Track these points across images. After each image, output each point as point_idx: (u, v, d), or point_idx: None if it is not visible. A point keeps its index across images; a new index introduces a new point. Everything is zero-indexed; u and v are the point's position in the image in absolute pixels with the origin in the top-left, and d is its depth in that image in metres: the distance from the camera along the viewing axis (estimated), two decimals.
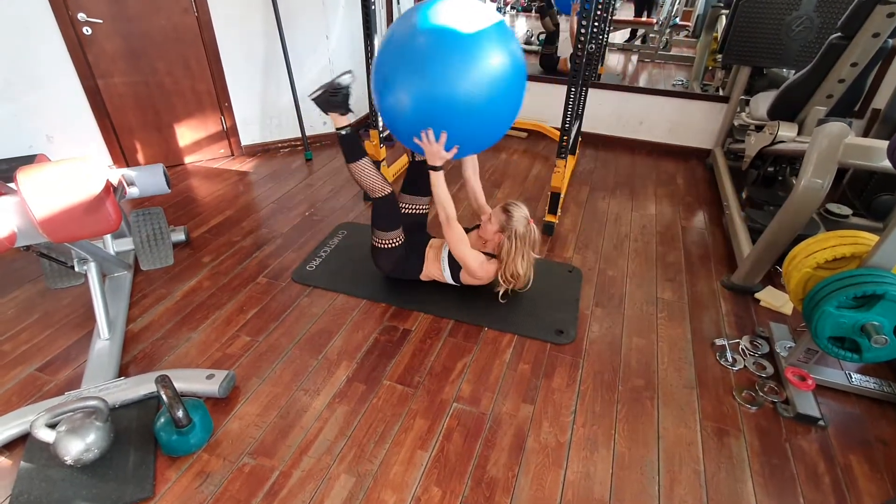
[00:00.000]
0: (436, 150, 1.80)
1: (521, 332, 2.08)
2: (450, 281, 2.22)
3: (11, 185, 1.53)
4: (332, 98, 1.94)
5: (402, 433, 1.65)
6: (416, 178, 2.28)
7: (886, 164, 1.74)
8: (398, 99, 1.71)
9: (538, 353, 2.00)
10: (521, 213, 2.06)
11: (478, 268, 2.10)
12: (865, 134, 3.21)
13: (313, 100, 1.95)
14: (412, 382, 1.84)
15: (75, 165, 1.48)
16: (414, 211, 2.31)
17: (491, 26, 1.65)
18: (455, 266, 2.16)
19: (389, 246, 2.16)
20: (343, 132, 2.00)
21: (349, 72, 1.97)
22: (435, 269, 2.23)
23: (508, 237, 2.05)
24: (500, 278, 2.14)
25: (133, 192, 1.58)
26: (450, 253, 2.16)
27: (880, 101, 3.09)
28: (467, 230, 2.30)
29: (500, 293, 2.18)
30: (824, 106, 2.42)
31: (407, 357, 1.96)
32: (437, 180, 1.94)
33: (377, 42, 2.73)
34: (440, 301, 2.23)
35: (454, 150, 1.82)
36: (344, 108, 1.97)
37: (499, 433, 1.67)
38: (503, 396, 1.80)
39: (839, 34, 2.20)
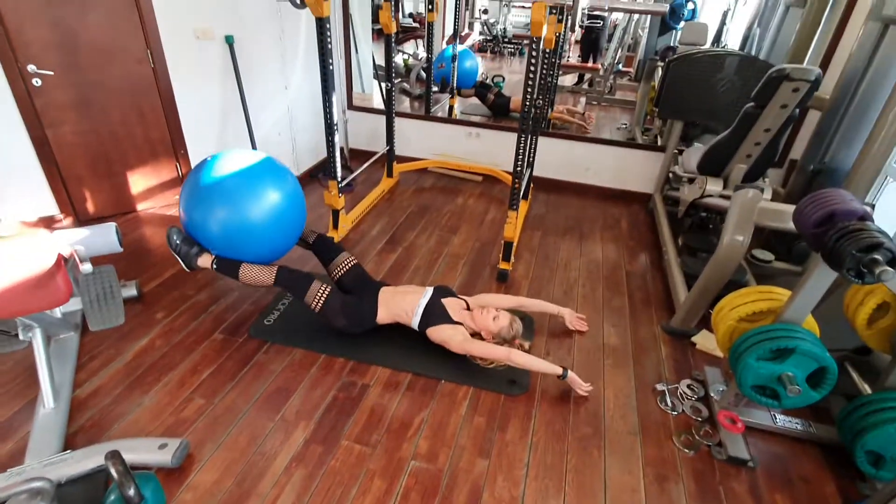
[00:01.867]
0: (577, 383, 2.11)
1: (477, 383, 2.16)
2: (414, 326, 2.28)
3: None
4: (183, 253, 2.23)
5: (360, 496, 1.68)
6: (322, 252, 2.51)
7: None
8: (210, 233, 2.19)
9: (493, 404, 2.08)
10: (518, 329, 2.23)
11: (464, 350, 2.19)
12: (785, 181, 3.55)
13: (191, 270, 2.28)
14: (370, 441, 1.88)
15: (26, 241, 1.48)
16: (345, 269, 2.44)
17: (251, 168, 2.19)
18: (426, 320, 2.23)
19: (322, 299, 2.24)
20: (215, 266, 2.25)
21: (171, 228, 2.26)
22: (399, 311, 2.28)
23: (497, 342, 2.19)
24: (477, 360, 2.21)
25: (86, 268, 1.58)
26: (427, 308, 2.24)
27: (797, 152, 3.43)
28: (451, 292, 2.38)
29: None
30: (744, 164, 2.68)
31: (365, 414, 1.99)
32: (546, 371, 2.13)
33: (335, 98, 2.82)
34: (398, 353, 2.28)
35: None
36: (198, 251, 2.24)
37: (455, 490, 1.72)
38: (460, 451, 1.86)
39: (752, 104, 2.47)
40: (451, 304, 2.29)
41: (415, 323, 2.27)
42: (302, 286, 2.26)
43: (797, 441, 2.00)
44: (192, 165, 3.47)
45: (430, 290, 2.33)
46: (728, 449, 1.89)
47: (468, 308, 2.31)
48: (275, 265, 2.29)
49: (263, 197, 2.17)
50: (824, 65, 3.18)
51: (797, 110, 2.45)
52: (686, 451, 1.92)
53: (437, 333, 2.21)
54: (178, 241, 2.24)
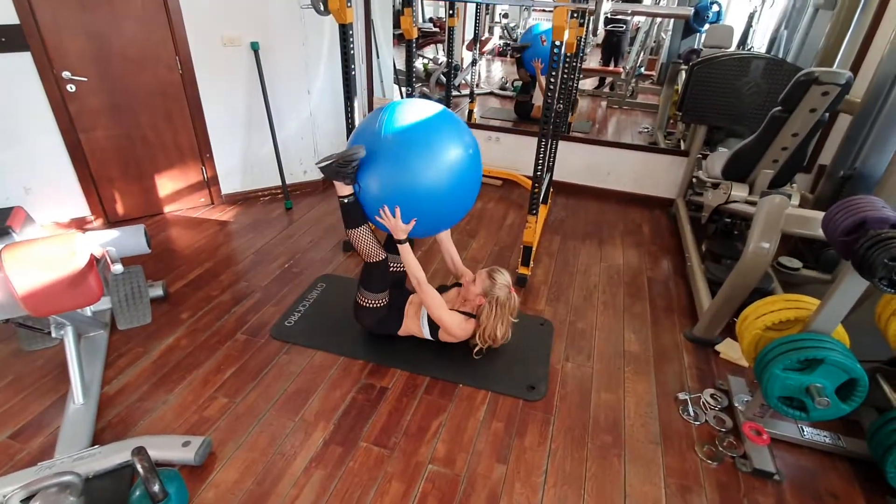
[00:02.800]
0: (395, 225, 1.98)
1: (495, 388, 2.15)
2: (428, 337, 2.29)
3: None
4: (341, 169, 1.95)
5: (377, 498, 1.69)
6: (392, 240, 2.38)
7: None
8: (365, 184, 2.01)
9: (511, 410, 2.07)
10: (503, 280, 2.19)
11: (455, 328, 2.19)
12: (813, 187, 3.46)
13: (321, 168, 1.97)
14: (388, 444, 1.88)
15: (60, 242, 1.53)
16: (393, 269, 2.39)
17: (444, 125, 1.99)
18: (434, 324, 2.23)
19: (374, 305, 2.25)
20: (346, 200, 2.06)
21: (362, 146, 1.95)
22: (414, 325, 2.30)
23: (490, 302, 2.17)
24: (477, 338, 2.23)
25: (117, 268, 1.63)
26: (430, 317, 2.23)
27: (826, 158, 3.34)
28: (447, 287, 2.40)
29: (476, 350, 2.26)
30: (771, 169, 2.62)
31: (384, 417, 2.00)
32: (404, 251, 2.09)
33: (357, 103, 2.85)
34: (416, 357, 2.29)
35: (412, 223, 2.00)
36: (350, 179, 2.00)
37: (473, 496, 1.71)
38: (477, 456, 1.86)
39: (780, 108, 2.41)
40: (449, 297, 2.29)
41: (426, 334, 2.28)
42: (379, 286, 2.24)
43: (825, 455, 1.93)
44: (218, 169, 3.56)
45: None
46: (753, 461, 1.84)
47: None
48: (383, 252, 2.20)
49: (449, 177, 1.95)
50: (855, 68, 3.09)
51: (826, 114, 2.39)
52: (709, 462, 1.88)
53: (446, 336, 2.23)
54: (354, 162, 1.95)
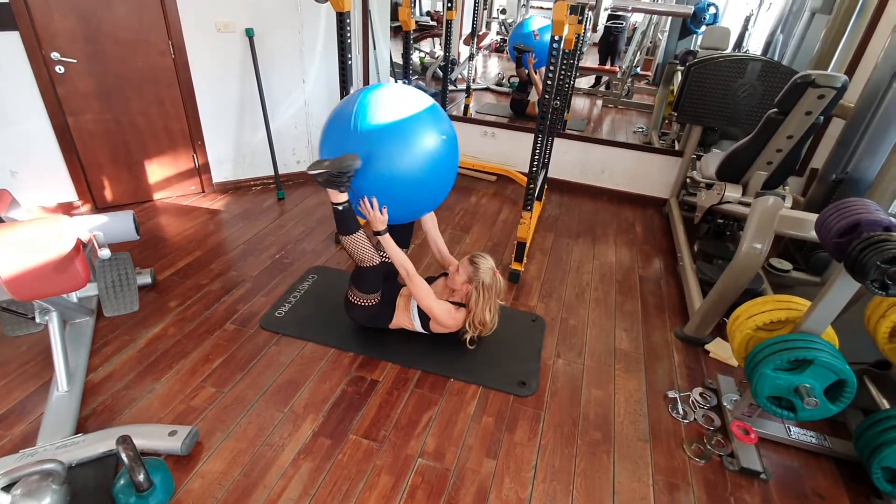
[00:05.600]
0: (375, 217, 1.99)
1: (486, 383, 2.15)
2: (419, 330, 2.28)
3: None
4: (335, 179, 1.91)
5: (366, 491, 1.68)
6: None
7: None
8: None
9: (502, 405, 2.06)
10: (487, 264, 2.17)
11: (446, 317, 2.17)
12: (805, 191, 3.49)
13: (313, 176, 1.91)
14: (378, 437, 1.87)
15: (46, 225, 1.49)
16: (384, 259, 2.38)
17: (422, 111, 1.99)
18: (425, 316, 2.22)
19: (365, 304, 2.23)
20: (341, 207, 2.01)
21: (356, 155, 1.91)
22: (405, 318, 2.28)
23: (476, 288, 2.15)
24: (467, 326, 2.22)
25: (104, 253, 1.59)
26: (420, 308, 2.22)
27: (818, 161, 3.37)
28: (434, 278, 2.39)
29: (468, 339, 2.25)
30: (765, 171, 2.64)
31: (374, 409, 1.99)
32: (385, 243, 2.09)
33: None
34: (408, 350, 2.28)
35: (385, 215, 2.02)
36: (345, 187, 1.96)
37: (462, 490, 1.71)
38: (467, 451, 1.85)
39: (776, 110, 2.42)
40: (437, 288, 2.29)
41: (418, 327, 2.27)
42: (371, 287, 2.19)
43: (811, 454, 1.95)
44: (209, 157, 3.51)
45: None
46: (740, 460, 1.85)
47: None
48: (378, 257, 2.14)
49: (425, 152, 1.97)
50: (849, 72, 3.11)
51: (821, 117, 2.41)
52: (697, 460, 1.89)
53: (436, 325, 2.22)
54: (349, 172, 1.92)
